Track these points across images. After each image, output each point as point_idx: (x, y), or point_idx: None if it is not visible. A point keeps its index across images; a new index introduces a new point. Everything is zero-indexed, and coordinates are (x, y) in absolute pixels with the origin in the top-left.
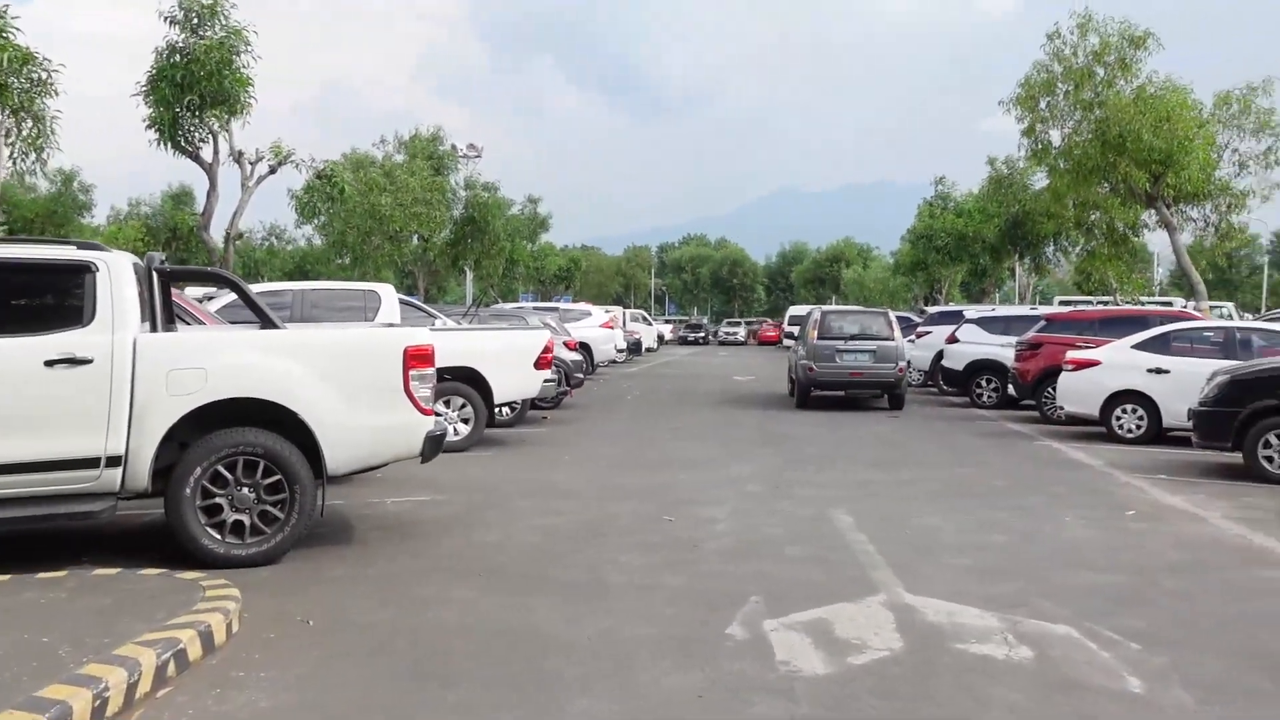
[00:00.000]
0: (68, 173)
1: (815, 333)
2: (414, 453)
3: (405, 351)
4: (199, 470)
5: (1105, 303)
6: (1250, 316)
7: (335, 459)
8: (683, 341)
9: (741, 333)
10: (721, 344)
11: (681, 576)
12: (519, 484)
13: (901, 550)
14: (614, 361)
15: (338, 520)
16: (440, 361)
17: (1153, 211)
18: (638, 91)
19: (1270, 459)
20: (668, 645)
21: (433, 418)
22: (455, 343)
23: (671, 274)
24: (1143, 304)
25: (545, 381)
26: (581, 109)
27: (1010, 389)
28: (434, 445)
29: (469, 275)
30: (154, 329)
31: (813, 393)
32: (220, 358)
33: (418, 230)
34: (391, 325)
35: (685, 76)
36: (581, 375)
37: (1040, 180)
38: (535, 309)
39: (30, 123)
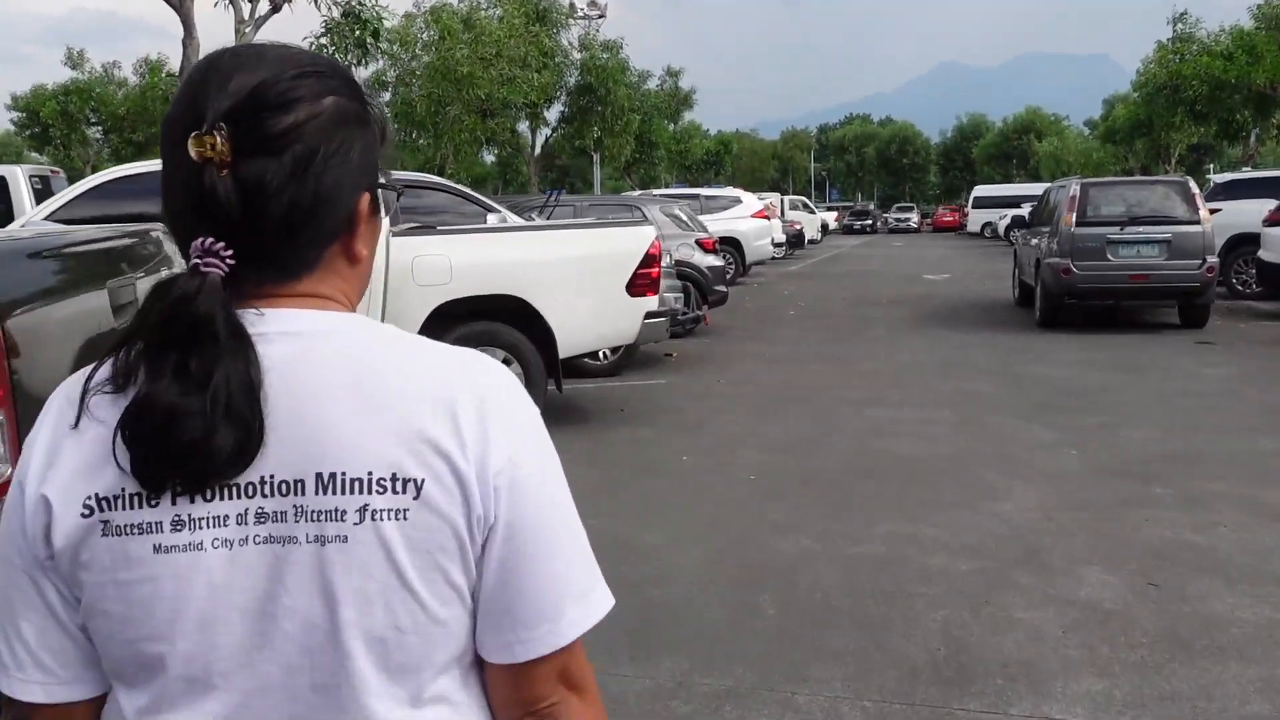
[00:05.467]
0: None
1: (1073, 216)
2: None
3: None
4: None
5: None
6: None
7: None
8: (848, 230)
9: (914, 218)
10: (892, 232)
11: None
12: None
13: None
14: (773, 258)
15: None
16: (459, 289)
17: None
18: None
19: None
20: None
21: None
22: (485, 254)
23: (833, 156)
24: None
25: (648, 318)
26: None
27: None
28: None
29: (595, 159)
30: None
31: (1065, 302)
32: None
33: (510, 97)
34: None
35: None
36: (724, 288)
37: None
38: (662, 198)
39: None
